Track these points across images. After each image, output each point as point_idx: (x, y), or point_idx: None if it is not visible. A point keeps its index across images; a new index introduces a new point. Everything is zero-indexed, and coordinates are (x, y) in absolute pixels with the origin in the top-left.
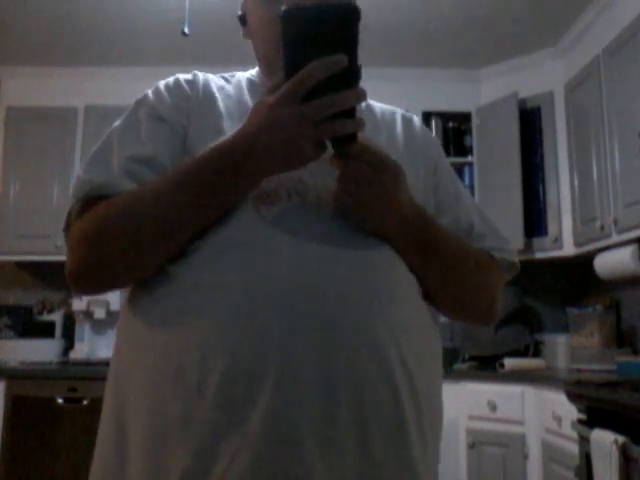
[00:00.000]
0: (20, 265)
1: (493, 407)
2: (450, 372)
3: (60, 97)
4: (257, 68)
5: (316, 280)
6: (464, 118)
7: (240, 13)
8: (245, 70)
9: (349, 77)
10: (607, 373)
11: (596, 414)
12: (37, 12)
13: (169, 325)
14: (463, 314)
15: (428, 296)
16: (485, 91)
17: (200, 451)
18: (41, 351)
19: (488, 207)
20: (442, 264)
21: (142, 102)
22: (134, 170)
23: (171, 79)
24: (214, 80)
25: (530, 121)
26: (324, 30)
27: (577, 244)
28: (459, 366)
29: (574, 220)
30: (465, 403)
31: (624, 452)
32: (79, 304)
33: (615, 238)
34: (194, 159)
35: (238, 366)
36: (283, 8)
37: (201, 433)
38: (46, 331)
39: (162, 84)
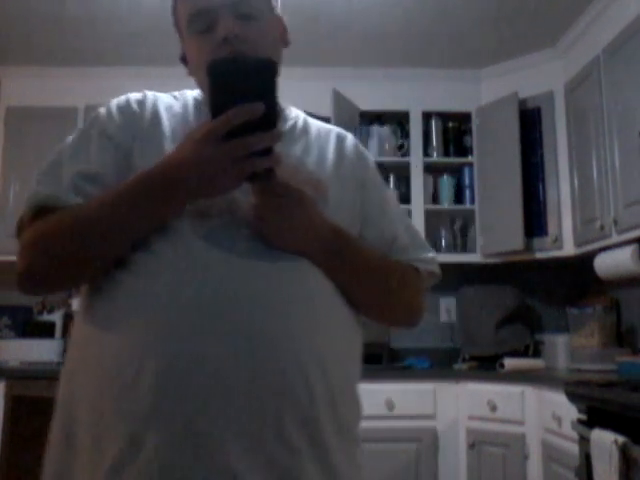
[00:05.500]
0: None
1: (493, 407)
2: (450, 372)
3: (60, 97)
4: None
5: (241, 289)
6: (464, 118)
7: (181, 54)
8: None
9: (267, 121)
10: (607, 373)
11: (596, 414)
12: (37, 12)
13: (111, 325)
14: (384, 320)
15: (352, 303)
16: (485, 91)
17: (130, 437)
18: (41, 351)
19: (488, 207)
20: (360, 277)
21: (94, 120)
22: (81, 186)
23: (123, 98)
24: (163, 99)
25: (530, 121)
26: (245, 80)
27: (577, 244)
28: (459, 366)
29: (574, 220)
30: (465, 403)
31: (624, 452)
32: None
33: (615, 238)
34: (129, 181)
35: (171, 366)
36: (209, 60)
37: (132, 421)
38: (46, 331)
39: (114, 103)
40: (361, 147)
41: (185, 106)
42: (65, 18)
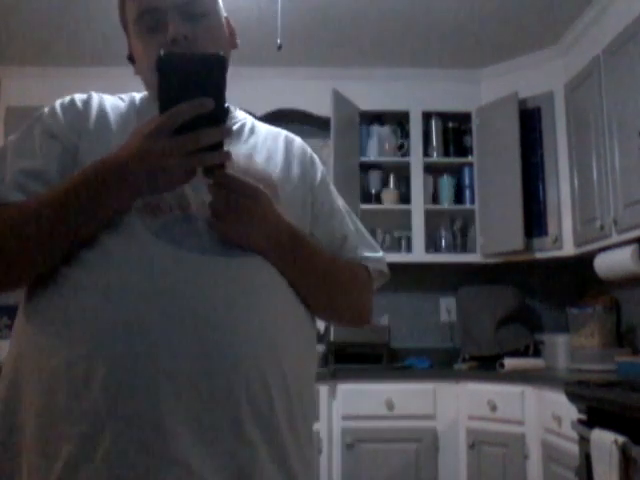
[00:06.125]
0: None
1: (493, 407)
2: (450, 372)
3: (60, 97)
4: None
5: (192, 284)
6: (464, 118)
7: (128, 53)
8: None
9: (216, 116)
10: (607, 373)
11: (596, 414)
12: (37, 12)
13: (61, 323)
14: (333, 318)
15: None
16: (485, 91)
17: (85, 437)
18: None
19: (488, 207)
20: (312, 275)
21: (38, 119)
22: (24, 183)
23: (67, 98)
24: (109, 100)
25: (530, 121)
26: (194, 75)
27: (577, 244)
28: (459, 366)
29: (574, 220)
30: (465, 403)
31: (624, 452)
32: None
33: (615, 238)
34: (74, 177)
35: (122, 363)
36: (159, 54)
37: (86, 421)
38: None
39: (58, 103)
40: (309, 149)
41: (132, 106)
42: (65, 18)
